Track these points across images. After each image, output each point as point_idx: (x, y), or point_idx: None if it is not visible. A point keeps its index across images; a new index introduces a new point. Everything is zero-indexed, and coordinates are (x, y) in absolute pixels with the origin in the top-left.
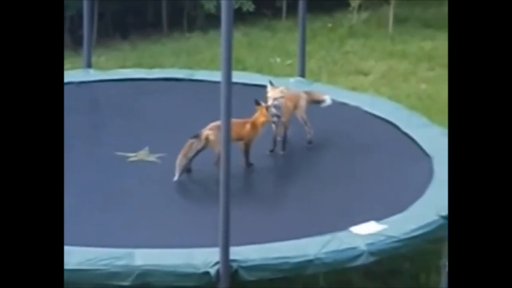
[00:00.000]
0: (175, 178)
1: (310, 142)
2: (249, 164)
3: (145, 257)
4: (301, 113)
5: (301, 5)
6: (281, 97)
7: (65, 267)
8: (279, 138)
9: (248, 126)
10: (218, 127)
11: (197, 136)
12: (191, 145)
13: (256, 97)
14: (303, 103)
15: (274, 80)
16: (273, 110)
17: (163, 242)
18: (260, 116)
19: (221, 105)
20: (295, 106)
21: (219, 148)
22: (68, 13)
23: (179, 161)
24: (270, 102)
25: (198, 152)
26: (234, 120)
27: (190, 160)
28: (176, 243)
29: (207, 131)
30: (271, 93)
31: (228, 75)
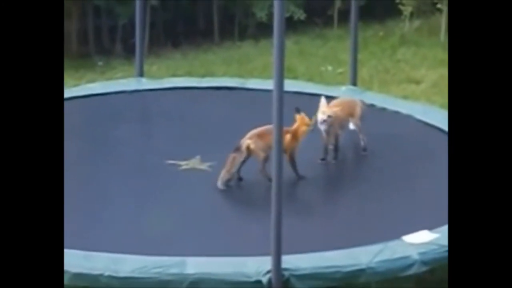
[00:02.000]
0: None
1: (364, 149)
2: (300, 177)
3: (197, 265)
4: (356, 121)
5: (352, 14)
6: (330, 116)
7: (118, 274)
8: (330, 147)
9: (288, 136)
10: (257, 135)
11: (238, 149)
12: (234, 160)
13: (308, 105)
14: (358, 110)
15: (325, 89)
16: (323, 126)
17: (215, 250)
18: (300, 125)
19: (273, 114)
20: (350, 114)
21: (263, 155)
22: (120, 22)
23: (223, 176)
24: (320, 117)
25: (242, 163)
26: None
27: (237, 171)
28: (227, 252)
29: (247, 141)
30: (324, 109)
31: (280, 84)
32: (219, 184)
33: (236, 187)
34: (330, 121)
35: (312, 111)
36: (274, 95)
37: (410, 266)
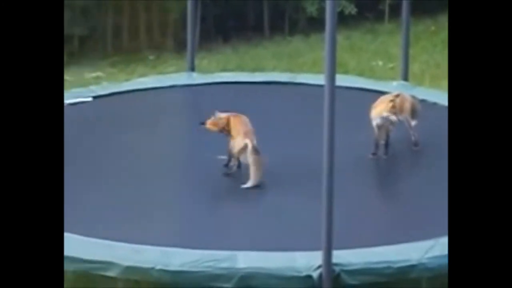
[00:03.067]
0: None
1: (416, 144)
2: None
3: (247, 260)
4: (406, 116)
5: (404, 8)
6: (387, 117)
7: (168, 268)
8: (382, 142)
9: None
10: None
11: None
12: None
13: (358, 100)
14: (408, 105)
15: (376, 84)
16: (377, 121)
17: (265, 244)
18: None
19: (324, 109)
20: (400, 109)
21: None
22: (171, 17)
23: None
24: (374, 117)
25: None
26: None
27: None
28: (278, 246)
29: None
30: (379, 108)
31: (332, 78)
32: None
33: (287, 182)
34: (389, 119)
35: (362, 106)
36: (326, 90)
37: None
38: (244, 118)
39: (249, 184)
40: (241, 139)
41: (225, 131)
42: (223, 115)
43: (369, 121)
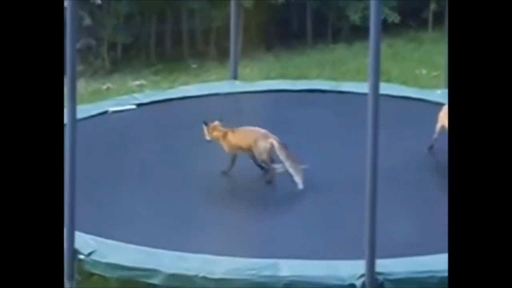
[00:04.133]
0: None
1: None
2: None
3: (290, 268)
4: None
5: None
6: None
7: (212, 276)
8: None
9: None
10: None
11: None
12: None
13: (401, 109)
14: None
15: (420, 92)
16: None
17: (308, 253)
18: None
19: (368, 117)
20: None
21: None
22: (214, 24)
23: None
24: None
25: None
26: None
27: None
28: (321, 254)
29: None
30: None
31: (375, 87)
32: (300, 183)
33: (331, 190)
34: None
35: (405, 115)
36: (370, 98)
37: None
38: (249, 127)
39: (299, 181)
40: (263, 142)
41: (220, 140)
42: (222, 128)
43: (413, 129)
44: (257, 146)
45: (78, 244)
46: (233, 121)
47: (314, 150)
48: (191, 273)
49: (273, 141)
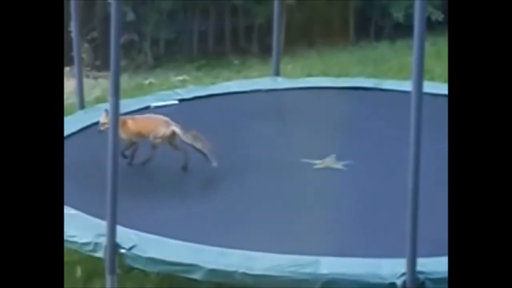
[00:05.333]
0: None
1: None
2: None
3: (331, 265)
4: None
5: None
6: None
7: (252, 272)
8: None
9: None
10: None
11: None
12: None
13: (444, 107)
14: None
15: None
16: None
17: (349, 250)
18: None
19: (411, 115)
20: None
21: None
22: (256, 21)
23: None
24: None
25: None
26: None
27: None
28: (361, 252)
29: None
30: None
31: (419, 85)
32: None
33: (370, 189)
34: None
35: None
36: (413, 96)
37: None
38: (152, 115)
39: (212, 159)
40: (164, 128)
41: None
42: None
43: None
44: (157, 131)
45: (119, 239)
46: (275, 117)
47: (356, 147)
48: (231, 268)
49: (175, 128)
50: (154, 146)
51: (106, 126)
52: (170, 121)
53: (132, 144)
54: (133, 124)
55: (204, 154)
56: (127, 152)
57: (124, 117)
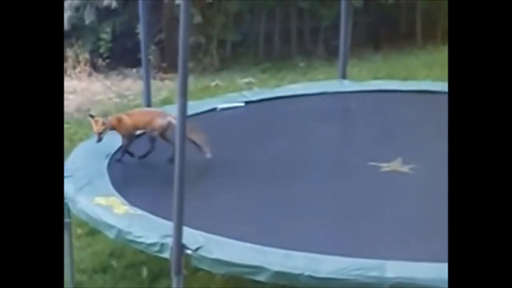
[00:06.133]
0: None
1: None
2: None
3: (396, 270)
4: None
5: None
6: None
7: (317, 275)
8: None
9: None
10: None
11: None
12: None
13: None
14: None
15: None
16: None
17: (414, 254)
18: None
19: None
20: None
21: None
22: (323, 24)
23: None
24: None
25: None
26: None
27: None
28: (428, 256)
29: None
30: None
31: None
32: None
33: (436, 193)
34: None
35: None
36: None
37: None
38: (146, 108)
39: (207, 151)
40: (161, 119)
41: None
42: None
43: None
44: (154, 122)
45: (185, 240)
46: (341, 120)
47: (422, 150)
48: (296, 271)
49: (172, 118)
50: (152, 138)
51: (101, 132)
52: (166, 112)
53: (133, 139)
54: (129, 119)
55: (198, 146)
56: (131, 149)
57: (117, 114)
